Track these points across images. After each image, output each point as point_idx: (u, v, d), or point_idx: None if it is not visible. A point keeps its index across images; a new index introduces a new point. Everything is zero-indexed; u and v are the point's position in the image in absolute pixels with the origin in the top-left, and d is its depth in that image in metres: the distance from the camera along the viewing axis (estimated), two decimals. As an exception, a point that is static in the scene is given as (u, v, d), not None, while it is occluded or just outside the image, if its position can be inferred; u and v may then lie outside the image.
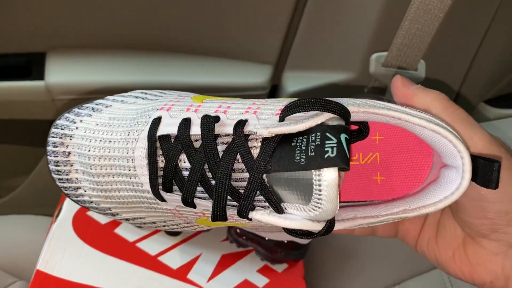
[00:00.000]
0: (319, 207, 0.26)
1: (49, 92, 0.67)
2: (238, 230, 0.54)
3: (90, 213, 0.52)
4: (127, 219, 0.39)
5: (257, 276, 0.54)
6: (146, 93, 0.39)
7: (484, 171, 0.27)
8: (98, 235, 0.49)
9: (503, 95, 0.83)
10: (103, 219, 0.51)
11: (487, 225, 0.30)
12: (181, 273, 0.50)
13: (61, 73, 0.68)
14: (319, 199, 0.25)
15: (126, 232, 0.50)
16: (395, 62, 0.59)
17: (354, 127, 0.31)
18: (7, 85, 0.68)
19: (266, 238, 0.54)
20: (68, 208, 0.51)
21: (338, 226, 0.29)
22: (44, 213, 0.68)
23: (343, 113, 0.26)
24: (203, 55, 0.72)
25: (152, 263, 0.49)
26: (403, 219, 0.30)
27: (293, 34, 0.68)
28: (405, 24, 0.56)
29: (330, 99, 0.27)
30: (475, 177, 0.27)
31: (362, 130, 0.30)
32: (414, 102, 0.30)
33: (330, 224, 0.27)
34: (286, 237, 0.54)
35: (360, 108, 0.27)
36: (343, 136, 0.25)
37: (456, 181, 0.27)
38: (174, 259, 0.50)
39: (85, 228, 0.50)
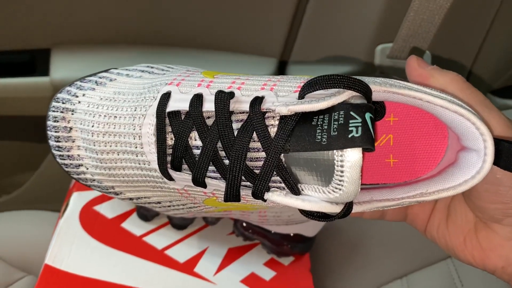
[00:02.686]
0: (340, 189, 0.25)
1: (54, 88, 0.67)
2: (244, 224, 0.54)
3: (97, 207, 0.52)
4: (130, 198, 0.37)
5: (263, 269, 0.54)
6: (152, 67, 0.37)
7: (508, 154, 0.26)
8: (105, 229, 0.50)
9: (510, 85, 0.82)
10: (110, 214, 0.52)
11: (500, 210, 0.29)
12: (188, 267, 0.50)
13: (66, 69, 0.68)
14: (340, 180, 0.24)
15: (133, 227, 0.51)
16: (401, 53, 0.59)
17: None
18: (13, 81, 0.68)
19: (272, 231, 0.54)
20: (75, 203, 0.52)
21: (355, 209, 0.27)
22: (50, 209, 0.69)
23: (366, 91, 0.25)
24: (208, 49, 0.72)
25: (159, 257, 0.49)
26: (419, 203, 0.29)
27: (298, 27, 0.68)
28: (410, 15, 0.55)
29: (352, 76, 0.25)
30: (497, 161, 0.26)
31: (378, 110, 0.29)
32: (430, 82, 0.29)
33: (348, 206, 0.26)
34: (292, 230, 0.54)
35: (381, 87, 0.26)
36: (368, 115, 0.24)
37: (477, 164, 0.26)
38: (180, 253, 0.51)
39: (92, 222, 0.50)
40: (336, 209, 0.26)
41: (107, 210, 0.52)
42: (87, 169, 0.35)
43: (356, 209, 0.27)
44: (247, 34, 0.70)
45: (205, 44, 0.72)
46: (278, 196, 0.26)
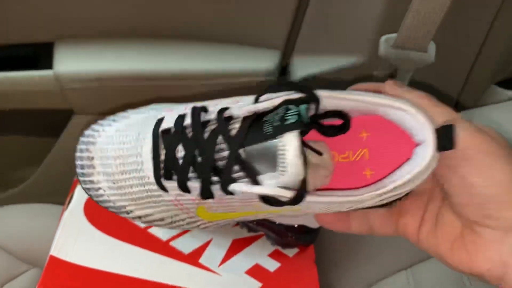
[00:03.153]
0: (284, 171, 0.28)
1: (58, 81, 0.67)
2: (248, 215, 0.54)
3: (101, 199, 0.52)
4: (139, 217, 0.40)
5: (268, 261, 0.54)
6: (160, 104, 0.44)
7: (443, 136, 0.28)
8: (109, 221, 0.50)
9: (516, 76, 0.82)
10: (114, 206, 0.52)
11: (478, 211, 0.30)
12: (192, 258, 0.50)
13: (69, 62, 0.68)
14: (283, 163, 0.28)
15: (137, 218, 0.51)
16: (405, 43, 0.58)
17: (338, 122, 0.33)
18: (16, 75, 0.68)
19: (277, 223, 0.54)
20: (80, 195, 0.52)
21: (311, 198, 0.29)
22: (55, 202, 0.69)
23: (306, 91, 0.30)
24: (211, 42, 0.72)
25: (164, 248, 0.49)
26: (382, 201, 0.31)
27: (301, 18, 0.68)
28: (415, 4, 0.55)
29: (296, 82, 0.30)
30: (439, 146, 0.28)
31: (344, 124, 0.32)
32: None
33: (300, 192, 0.29)
34: (296, 222, 0.54)
35: (327, 93, 0.30)
36: (303, 106, 0.29)
37: (425, 154, 0.28)
38: (185, 244, 0.51)
39: (96, 214, 0.50)
40: (289, 194, 0.29)
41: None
42: (104, 191, 0.39)
43: (312, 198, 0.30)
44: (249, 26, 0.70)
45: (207, 37, 0.71)
46: (239, 186, 0.30)
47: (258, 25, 0.70)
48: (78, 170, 0.40)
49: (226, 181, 0.31)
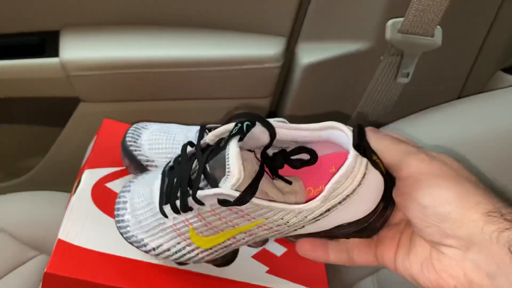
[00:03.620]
0: (229, 173, 0.34)
1: (64, 68, 0.67)
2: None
3: (108, 184, 0.52)
4: (153, 249, 0.43)
5: (275, 245, 0.54)
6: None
7: (358, 136, 0.32)
8: (116, 205, 0.50)
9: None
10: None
11: (435, 232, 0.31)
12: (200, 242, 0.50)
13: (75, 50, 0.68)
14: (228, 167, 0.34)
15: (144, 203, 0.51)
16: (412, 28, 0.58)
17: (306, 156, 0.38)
18: (23, 62, 0.68)
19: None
20: (87, 180, 0.52)
21: (257, 201, 0.34)
22: (61, 190, 0.69)
23: (262, 121, 0.36)
24: (216, 29, 0.72)
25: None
26: (328, 208, 0.33)
27: (306, 4, 0.67)
28: (422, -12, 0.55)
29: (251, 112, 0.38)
30: (354, 144, 0.32)
31: (311, 158, 0.38)
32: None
33: (245, 194, 0.34)
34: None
35: (280, 125, 0.37)
36: (245, 123, 0.36)
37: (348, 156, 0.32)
38: (192, 228, 0.51)
39: (104, 199, 0.50)
40: (235, 194, 0.34)
41: (119, 187, 0.52)
42: (130, 227, 0.45)
43: (257, 201, 0.34)
44: (254, 13, 0.70)
45: (213, 24, 0.71)
46: (203, 192, 0.36)
47: (264, 12, 0.70)
48: (115, 212, 0.46)
49: (195, 191, 0.37)
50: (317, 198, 0.33)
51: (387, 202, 0.35)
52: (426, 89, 0.77)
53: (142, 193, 0.45)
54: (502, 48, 0.77)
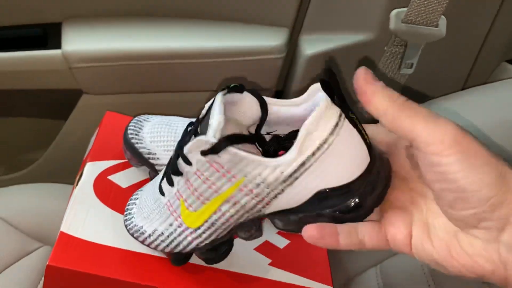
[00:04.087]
0: (210, 125, 0.35)
1: (66, 60, 0.67)
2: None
3: (111, 177, 0.52)
4: (150, 235, 0.43)
5: (277, 237, 0.54)
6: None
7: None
8: (119, 198, 0.50)
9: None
10: (124, 183, 0.52)
11: (474, 215, 0.30)
12: (202, 234, 0.50)
13: (77, 42, 0.68)
14: (212, 116, 0.35)
15: (147, 195, 0.51)
16: (416, 18, 0.57)
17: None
18: (25, 54, 0.68)
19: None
20: (89, 173, 0.52)
21: (233, 150, 0.35)
22: (64, 182, 0.69)
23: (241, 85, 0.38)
24: (219, 20, 0.71)
25: (173, 225, 0.49)
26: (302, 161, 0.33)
27: (310, -5, 0.67)
28: (426, -22, 0.54)
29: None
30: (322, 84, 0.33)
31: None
32: (373, 103, 0.31)
33: (222, 139, 0.34)
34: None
35: (271, 100, 0.38)
36: (232, 85, 0.37)
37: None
38: (194, 221, 0.51)
39: (106, 191, 0.50)
40: (214, 140, 0.34)
41: (122, 179, 0.52)
42: (134, 217, 0.45)
43: (234, 150, 0.35)
44: (257, 3, 0.69)
45: (216, 16, 0.71)
46: (187, 145, 0.37)
47: (266, 3, 0.69)
48: (126, 207, 0.47)
49: (182, 147, 0.38)
50: (290, 150, 0.33)
51: (376, 178, 0.34)
52: (430, 80, 0.76)
53: (150, 187, 0.46)
54: (506, 39, 0.76)
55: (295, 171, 0.34)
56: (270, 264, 0.52)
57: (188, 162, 0.38)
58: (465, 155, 0.29)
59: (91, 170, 0.52)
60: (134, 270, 0.45)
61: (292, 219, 0.37)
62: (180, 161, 0.39)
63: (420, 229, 0.34)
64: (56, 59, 0.67)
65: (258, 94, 0.37)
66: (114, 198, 0.50)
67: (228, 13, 0.71)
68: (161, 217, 0.43)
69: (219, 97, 0.36)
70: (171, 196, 0.41)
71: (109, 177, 0.52)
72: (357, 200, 0.34)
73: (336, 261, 0.60)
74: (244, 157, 0.34)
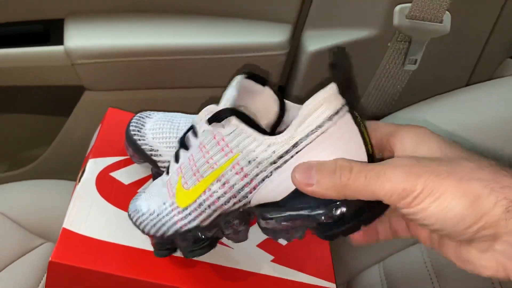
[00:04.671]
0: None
1: (68, 56, 0.67)
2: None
3: (113, 174, 0.52)
4: (143, 213, 0.44)
5: (280, 234, 0.54)
6: None
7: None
8: (121, 194, 0.50)
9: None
10: (126, 180, 0.52)
11: (462, 241, 0.31)
12: (204, 231, 0.50)
13: (79, 38, 0.68)
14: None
15: (149, 192, 0.51)
16: (420, 13, 0.57)
17: None
18: (28, 51, 0.68)
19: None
20: (91, 169, 0.52)
21: (236, 121, 0.35)
22: (66, 179, 0.69)
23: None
24: (221, 16, 0.71)
25: (176, 221, 0.49)
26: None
27: (313, -10, 0.67)
28: (430, -27, 0.54)
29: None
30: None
31: None
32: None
33: (227, 109, 0.35)
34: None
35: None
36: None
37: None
38: (197, 218, 0.51)
39: (108, 188, 0.50)
40: (215, 109, 0.36)
41: (124, 176, 0.52)
42: (139, 200, 0.45)
43: (236, 122, 0.35)
44: (260, 0, 0.69)
45: (218, 11, 0.71)
46: (198, 115, 0.39)
47: (270, 0, 0.69)
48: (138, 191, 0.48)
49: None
50: (287, 129, 0.34)
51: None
52: (434, 76, 0.76)
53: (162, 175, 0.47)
54: (510, 35, 0.75)
55: (286, 152, 0.34)
56: (272, 260, 0.52)
57: (195, 134, 0.39)
58: (430, 199, 0.29)
59: (94, 166, 0.52)
60: (137, 266, 0.45)
61: (274, 221, 0.37)
62: (190, 134, 0.40)
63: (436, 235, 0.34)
64: (59, 56, 0.67)
65: (279, 93, 0.37)
66: (116, 194, 0.50)
67: (231, 9, 0.70)
68: (159, 196, 0.43)
69: (238, 77, 0.37)
70: (173, 172, 0.42)
71: (112, 174, 0.52)
72: (343, 209, 0.33)
73: (339, 258, 0.60)
74: (243, 129, 0.35)
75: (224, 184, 0.37)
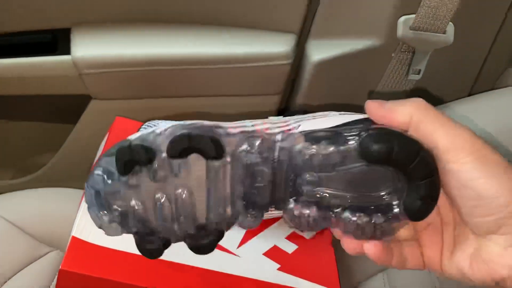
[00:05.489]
0: None
1: (75, 66, 0.68)
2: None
3: (121, 182, 0.52)
4: (155, 129, 0.39)
5: (286, 243, 0.55)
6: None
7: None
8: (129, 203, 0.50)
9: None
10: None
11: (492, 222, 0.30)
12: (211, 239, 0.51)
13: (87, 47, 0.68)
14: None
15: (157, 200, 0.51)
16: (424, 25, 0.58)
17: None
18: (35, 60, 0.68)
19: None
20: (100, 178, 0.52)
21: None
22: (73, 187, 0.70)
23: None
24: (226, 26, 0.72)
25: (183, 230, 0.50)
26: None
27: (317, 0, 0.67)
28: (434, -15, 0.54)
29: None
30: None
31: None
32: (396, 117, 0.32)
33: None
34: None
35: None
36: None
37: None
38: (204, 226, 0.51)
39: (116, 196, 0.51)
40: None
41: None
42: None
43: None
44: (264, 9, 0.70)
45: (223, 22, 0.71)
46: None
47: (274, 9, 0.70)
48: None
49: None
50: None
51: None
52: (437, 86, 0.77)
53: None
54: (512, 45, 0.76)
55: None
56: (278, 269, 0.52)
57: None
58: (483, 162, 0.30)
59: (102, 175, 0.53)
60: (147, 275, 0.46)
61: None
62: None
63: (449, 245, 0.34)
64: (66, 65, 0.68)
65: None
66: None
67: (236, 19, 0.71)
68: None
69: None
70: None
71: (120, 182, 0.53)
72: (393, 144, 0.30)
73: (344, 266, 0.60)
74: None
75: None
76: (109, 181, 0.34)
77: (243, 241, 0.52)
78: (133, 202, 0.34)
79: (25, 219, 0.63)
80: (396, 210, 0.32)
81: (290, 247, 0.54)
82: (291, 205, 0.33)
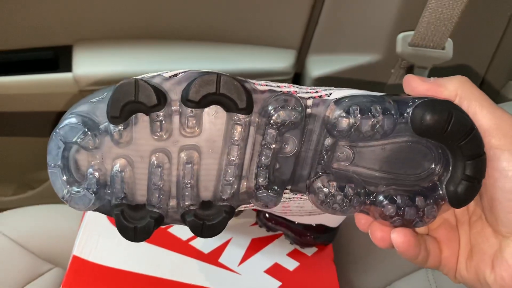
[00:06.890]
0: None
1: (77, 83, 0.68)
2: (267, 215, 0.54)
3: (122, 200, 0.52)
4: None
5: (287, 260, 0.54)
6: None
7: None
8: (130, 221, 0.50)
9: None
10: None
11: None
12: (212, 257, 0.51)
13: (88, 65, 0.69)
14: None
15: (158, 218, 0.51)
16: (422, 41, 0.58)
17: None
18: (37, 78, 0.69)
19: (296, 222, 0.54)
20: (101, 196, 0.52)
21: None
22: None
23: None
24: (227, 43, 0.72)
25: (184, 248, 0.50)
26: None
27: (317, 16, 0.68)
28: (432, 1, 0.55)
29: None
30: None
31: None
32: (441, 92, 0.30)
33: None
34: (315, 221, 0.54)
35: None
36: None
37: None
38: (205, 244, 0.51)
39: (117, 214, 0.51)
40: None
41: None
42: None
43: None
44: (264, 26, 0.70)
45: (223, 38, 0.72)
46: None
47: (274, 25, 0.70)
48: None
49: None
50: None
51: None
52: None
53: None
54: (512, 59, 0.76)
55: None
56: (280, 287, 0.52)
57: None
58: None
59: (103, 193, 0.53)
60: (146, 294, 0.46)
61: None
62: None
63: (466, 249, 0.32)
64: (67, 83, 0.68)
65: None
66: (126, 221, 0.50)
67: (236, 35, 0.71)
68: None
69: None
70: None
71: (121, 200, 0.53)
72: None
73: (346, 282, 0.60)
74: None
75: None
76: (90, 133, 0.27)
77: (244, 259, 0.52)
78: (120, 164, 0.27)
79: (26, 236, 0.63)
80: (437, 193, 0.29)
81: (291, 265, 0.54)
82: (319, 183, 0.29)
